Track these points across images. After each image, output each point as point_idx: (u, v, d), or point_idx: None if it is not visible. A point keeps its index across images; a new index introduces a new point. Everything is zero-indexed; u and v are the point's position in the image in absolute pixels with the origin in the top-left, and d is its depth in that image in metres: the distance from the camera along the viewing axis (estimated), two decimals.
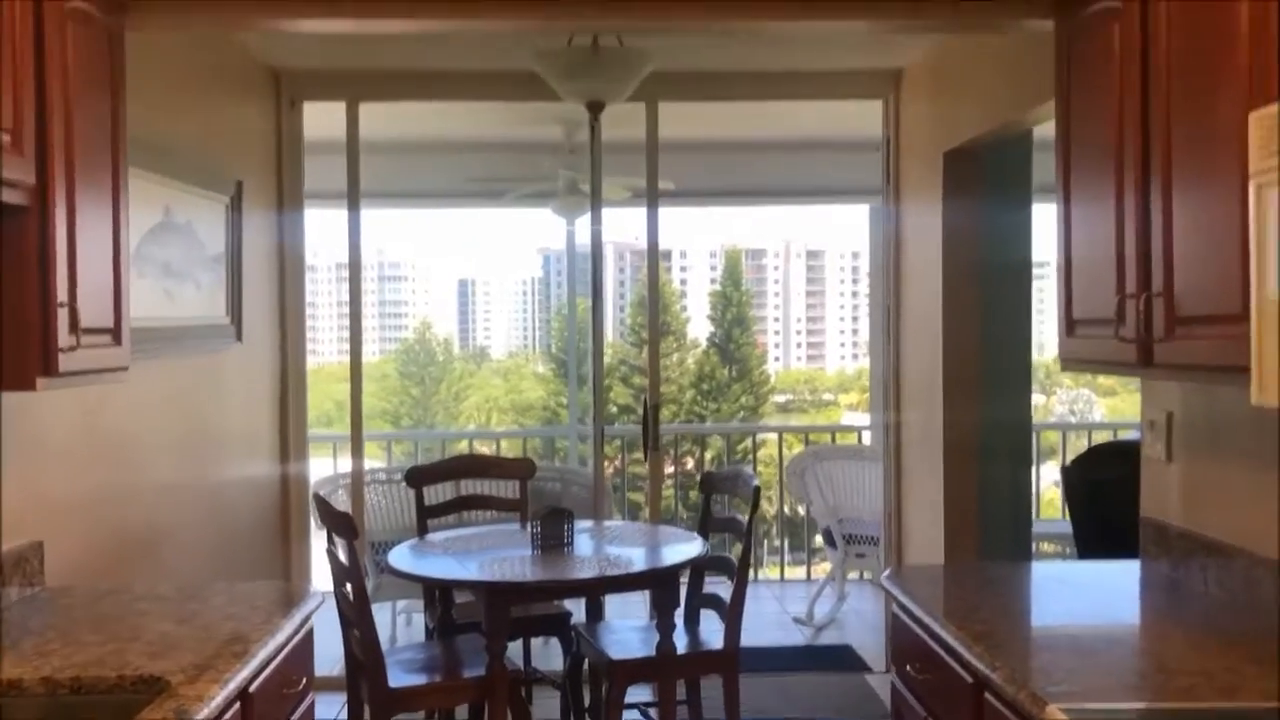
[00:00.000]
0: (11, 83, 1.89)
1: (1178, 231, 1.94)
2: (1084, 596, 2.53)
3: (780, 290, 32.30)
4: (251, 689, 2.05)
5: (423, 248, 32.66)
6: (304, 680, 2.41)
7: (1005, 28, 2.75)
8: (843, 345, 31.40)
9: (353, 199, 4.77)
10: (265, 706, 2.12)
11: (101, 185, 2.23)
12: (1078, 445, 6.81)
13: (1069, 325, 2.40)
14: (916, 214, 4.69)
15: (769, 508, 9.30)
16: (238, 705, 1.99)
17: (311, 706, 2.50)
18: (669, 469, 8.90)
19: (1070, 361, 2.41)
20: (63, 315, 2.03)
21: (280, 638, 2.24)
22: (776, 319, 31.77)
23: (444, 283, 33.58)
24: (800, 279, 32.67)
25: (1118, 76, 2.12)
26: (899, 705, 2.52)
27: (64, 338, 2.04)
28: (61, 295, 2.03)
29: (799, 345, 32.22)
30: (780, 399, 25.31)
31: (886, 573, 2.70)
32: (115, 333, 2.29)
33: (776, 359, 30.48)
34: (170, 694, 1.83)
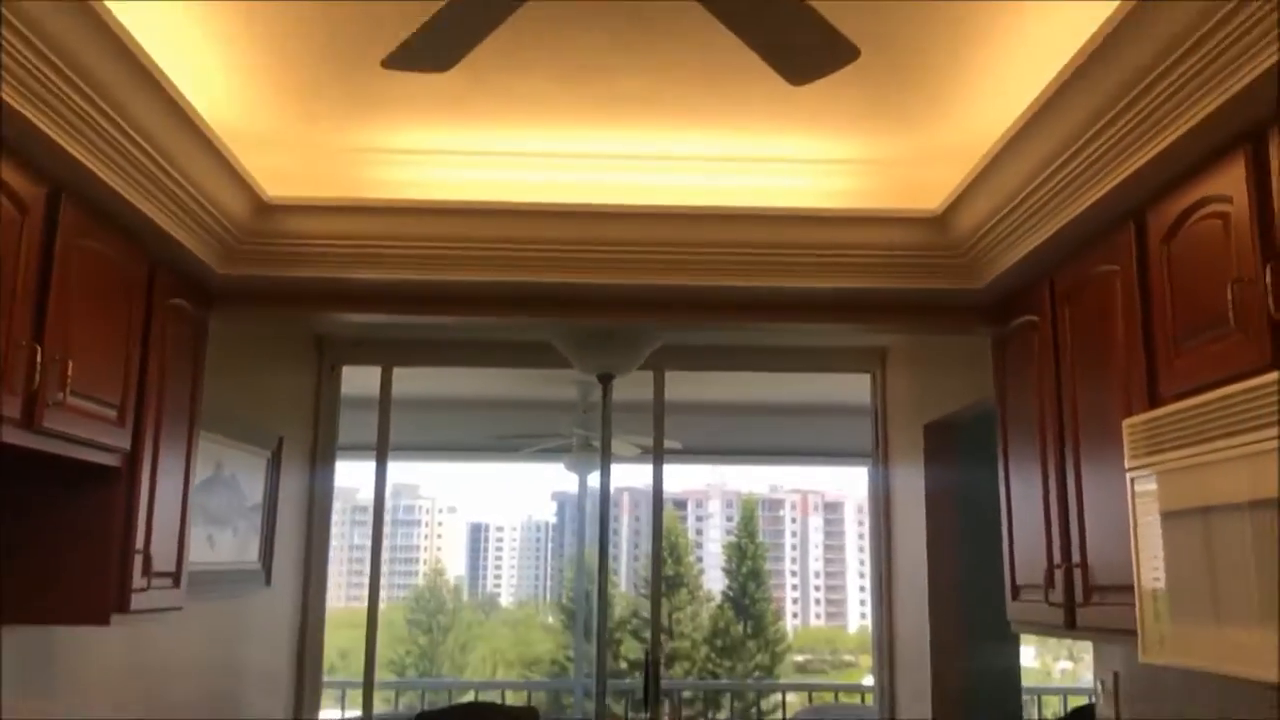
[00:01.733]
0: (124, 367, 2.31)
1: (1088, 510, 2.28)
2: None
3: (798, 543, 32.12)
4: None
5: (438, 490, 32.98)
6: None
7: (954, 332, 3.19)
8: (863, 603, 30.78)
9: (381, 453, 5.17)
10: None
11: (178, 450, 2.62)
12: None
13: (1014, 591, 2.70)
14: (903, 479, 5.05)
15: None
16: None
17: None
18: None
19: (1016, 623, 2.70)
20: (138, 561, 2.38)
21: None
22: (794, 573, 31.42)
23: (457, 527, 33.69)
24: (819, 532, 32.55)
25: (1036, 376, 2.53)
26: None
27: (138, 580, 2.38)
28: (139, 543, 2.39)
29: (818, 602, 31.72)
30: (799, 658, 24.66)
31: None
32: (176, 576, 2.62)
33: (795, 615, 29.95)
34: None
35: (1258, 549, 1.57)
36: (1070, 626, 2.34)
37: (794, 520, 32.36)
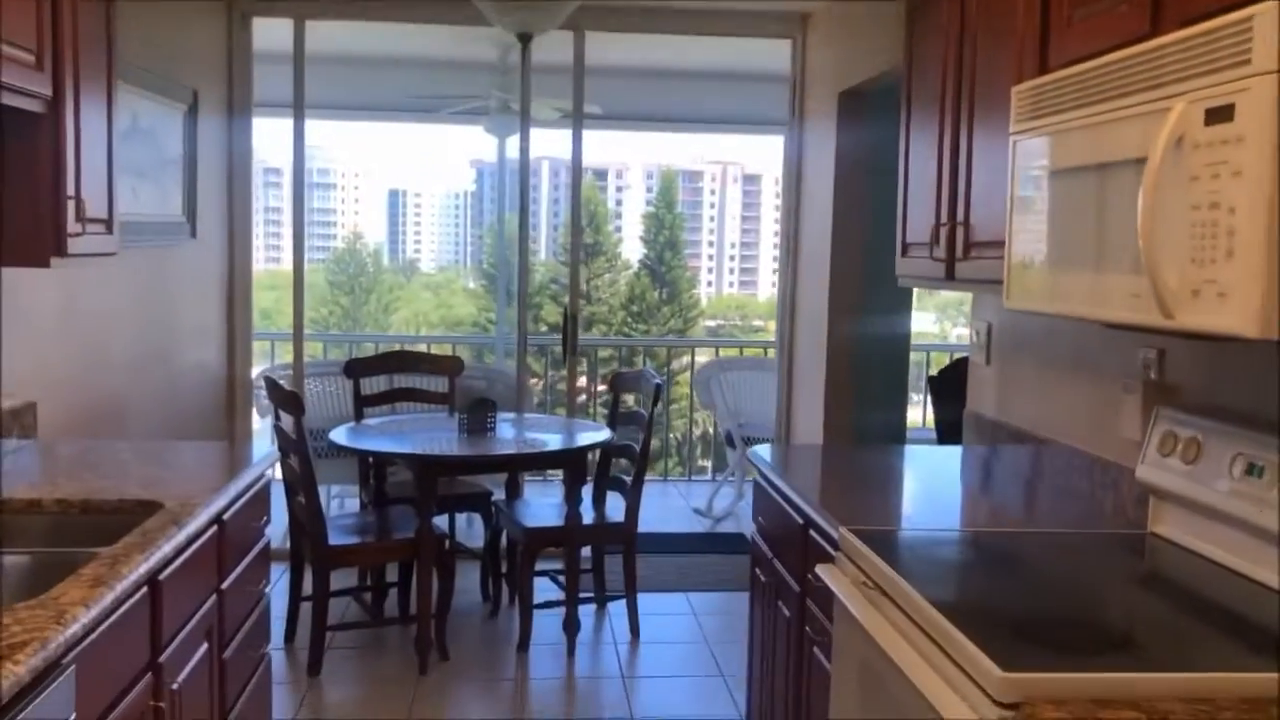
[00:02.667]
0: (35, 9, 2.28)
1: (975, 175, 2.46)
2: (912, 469, 3.12)
3: (715, 214, 32.59)
4: (225, 516, 2.53)
5: (354, 155, 32.33)
6: (264, 518, 2.90)
7: None
8: (775, 272, 31.50)
9: (298, 112, 5.13)
10: (236, 531, 2.61)
11: (99, 96, 2.63)
12: None
13: (903, 248, 2.93)
14: (816, 146, 5.20)
15: (692, 429, 9.92)
16: (215, 528, 2.47)
17: (268, 544, 2.99)
18: (599, 387, 9.41)
19: (903, 277, 2.94)
20: (71, 206, 2.45)
21: (245, 480, 2.72)
22: (711, 243, 32.09)
23: (374, 192, 33.33)
24: (736, 204, 32.97)
25: (942, 44, 2.63)
26: (755, 548, 3.09)
27: (72, 225, 2.46)
28: (70, 190, 2.45)
29: (732, 271, 32.63)
30: (711, 324, 25.67)
31: (753, 449, 3.24)
32: (108, 223, 2.71)
33: (709, 284, 30.88)
34: (165, 512, 2.30)
35: (1119, 205, 1.76)
36: (950, 279, 2.58)
37: (713, 192, 32.67)
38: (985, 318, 3.23)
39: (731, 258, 32.71)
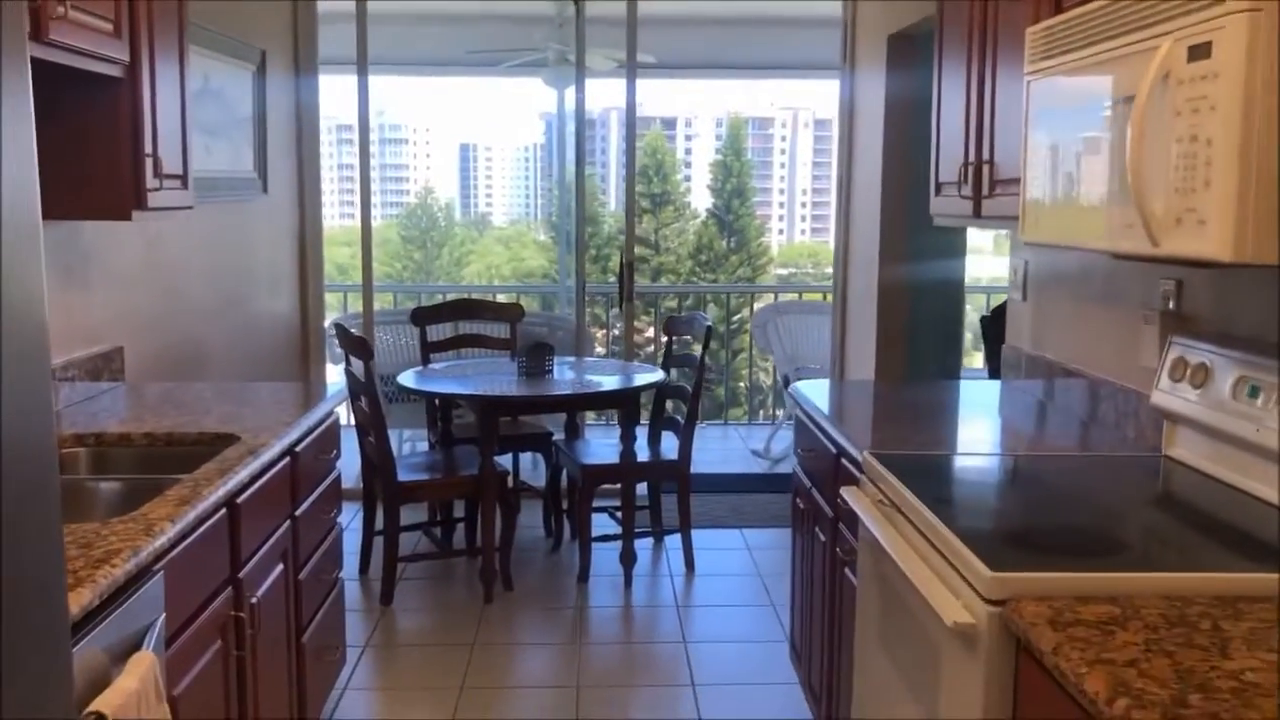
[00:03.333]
0: None
1: (998, 114, 2.54)
2: (947, 401, 3.23)
3: (786, 161, 32.18)
4: (298, 448, 2.74)
5: (425, 110, 32.51)
6: (334, 451, 3.11)
7: None
8: None
9: (361, 69, 5.31)
10: (308, 462, 2.82)
11: (172, 60, 2.82)
12: None
13: (937, 188, 3.02)
14: (866, 92, 5.24)
15: (753, 374, 10.03)
16: (288, 459, 2.68)
17: (339, 476, 3.21)
18: (665, 338, 9.54)
19: (937, 216, 3.03)
20: (149, 164, 2.66)
21: (316, 416, 2.93)
22: (781, 190, 31.74)
23: (446, 147, 33.53)
24: (808, 149, 32.49)
25: None
26: (796, 479, 3.24)
27: (150, 181, 2.67)
28: (148, 148, 2.65)
29: (804, 219, 32.27)
30: (782, 272, 25.42)
31: (795, 384, 3.37)
32: (183, 179, 2.91)
33: (780, 232, 30.61)
34: (242, 443, 2.52)
35: (1116, 140, 1.85)
36: (977, 216, 2.67)
37: (784, 139, 32.26)
38: (1023, 256, 3.31)
39: (803, 205, 32.32)
